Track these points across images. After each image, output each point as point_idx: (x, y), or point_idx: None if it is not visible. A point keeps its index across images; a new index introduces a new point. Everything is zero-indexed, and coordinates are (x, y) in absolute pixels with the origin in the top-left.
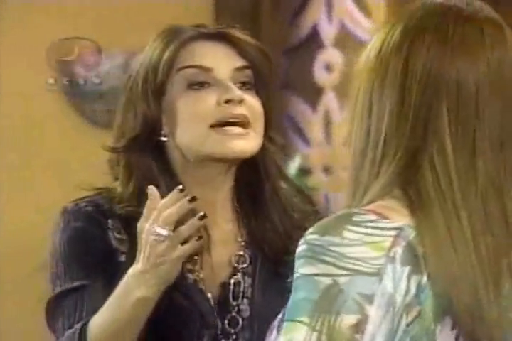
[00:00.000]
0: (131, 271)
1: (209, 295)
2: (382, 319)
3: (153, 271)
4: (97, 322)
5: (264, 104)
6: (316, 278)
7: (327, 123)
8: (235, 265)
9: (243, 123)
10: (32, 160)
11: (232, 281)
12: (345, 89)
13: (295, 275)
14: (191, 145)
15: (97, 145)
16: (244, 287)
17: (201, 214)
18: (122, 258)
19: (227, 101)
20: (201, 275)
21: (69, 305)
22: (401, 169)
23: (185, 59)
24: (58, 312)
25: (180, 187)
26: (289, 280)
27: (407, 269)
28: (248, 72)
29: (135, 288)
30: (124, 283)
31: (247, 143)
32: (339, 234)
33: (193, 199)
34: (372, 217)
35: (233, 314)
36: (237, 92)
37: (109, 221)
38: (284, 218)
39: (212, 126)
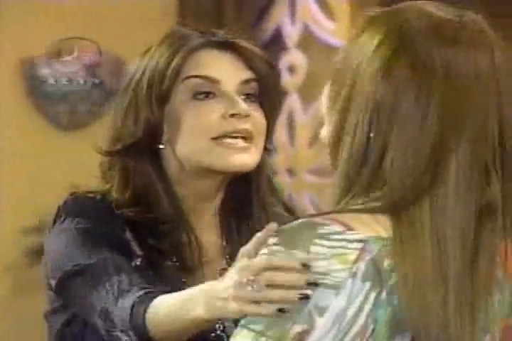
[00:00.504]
0: (207, 286)
1: None
2: (327, 332)
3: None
4: (161, 311)
5: (267, 117)
6: None
7: (290, 124)
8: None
9: (246, 137)
10: None
11: None
12: (309, 90)
13: None
14: (192, 156)
15: (60, 147)
16: None
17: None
18: (138, 262)
19: (233, 115)
20: None
21: (100, 276)
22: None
23: (192, 68)
24: (86, 284)
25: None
26: None
27: (367, 285)
28: (254, 84)
29: (199, 305)
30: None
31: (248, 157)
32: (306, 250)
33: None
34: (338, 228)
35: (218, 332)
36: (244, 106)
37: (120, 220)
38: None
39: (214, 138)
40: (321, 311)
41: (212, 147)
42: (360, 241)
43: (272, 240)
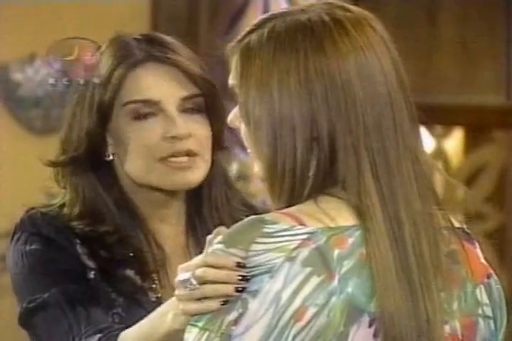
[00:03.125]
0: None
1: None
2: (262, 313)
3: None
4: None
5: (212, 126)
6: None
7: None
8: None
9: (190, 155)
10: None
11: None
12: None
13: None
14: (139, 174)
15: (33, 152)
16: None
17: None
18: (91, 275)
19: (173, 137)
20: (159, 295)
21: (56, 313)
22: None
23: (131, 90)
24: (47, 323)
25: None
26: None
27: (307, 270)
28: (196, 99)
29: (169, 317)
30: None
31: (191, 174)
32: (246, 248)
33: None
34: (284, 225)
35: None
36: (182, 128)
37: (72, 235)
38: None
39: (158, 159)
40: (254, 294)
41: (156, 167)
42: (306, 233)
43: (217, 239)
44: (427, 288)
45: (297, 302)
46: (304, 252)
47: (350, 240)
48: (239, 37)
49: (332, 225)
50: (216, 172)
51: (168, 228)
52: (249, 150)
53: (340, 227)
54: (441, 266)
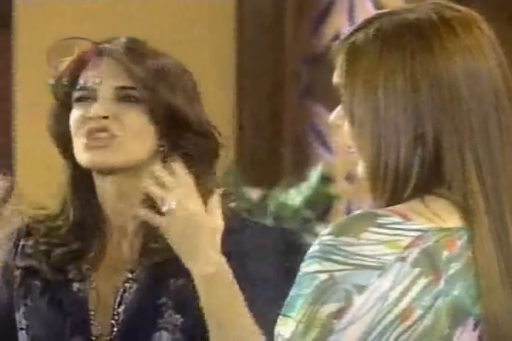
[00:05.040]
0: None
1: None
2: (366, 310)
3: None
4: None
5: (154, 119)
6: (314, 274)
7: None
8: (128, 274)
9: (104, 136)
10: None
11: (121, 289)
12: None
13: (298, 273)
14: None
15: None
16: (128, 293)
17: None
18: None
19: (91, 118)
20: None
21: None
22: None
23: (81, 78)
24: None
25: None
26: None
27: (416, 271)
28: (133, 91)
29: None
30: None
31: (107, 153)
32: (356, 236)
33: None
34: (398, 218)
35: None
36: (101, 109)
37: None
38: None
39: (82, 140)
40: (360, 290)
41: (79, 146)
42: (418, 230)
43: (325, 230)
44: None
45: (404, 303)
46: (415, 252)
47: (459, 242)
48: (345, 35)
49: (444, 226)
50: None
51: (129, 222)
52: (352, 150)
53: (451, 229)
54: None
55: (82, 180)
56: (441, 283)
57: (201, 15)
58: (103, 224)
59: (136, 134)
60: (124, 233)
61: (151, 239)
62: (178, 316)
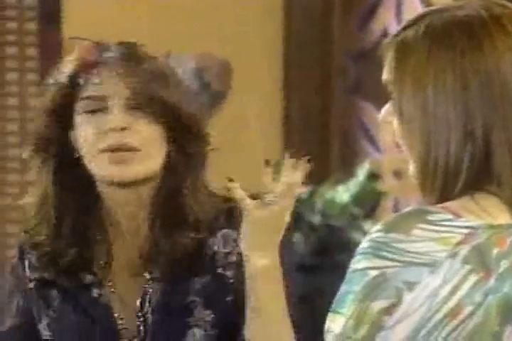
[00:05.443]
0: None
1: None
2: (416, 307)
3: None
4: None
5: (163, 127)
6: (365, 271)
7: None
8: (147, 275)
9: (126, 149)
10: None
11: (146, 290)
12: None
13: (348, 270)
14: (89, 168)
15: None
16: (152, 294)
17: None
18: (56, 303)
19: (109, 130)
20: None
21: None
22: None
23: (86, 86)
24: None
25: None
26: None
27: (466, 267)
28: (140, 99)
29: None
30: None
31: (127, 167)
32: (407, 232)
33: None
34: (448, 215)
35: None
36: (116, 121)
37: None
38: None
39: (99, 151)
40: (411, 286)
41: (97, 160)
42: (468, 227)
43: (375, 227)
44: None
45: (454, 300)
46: (465, 249)
47: (510, 240)
48: (395, 32)
49: (494, 223)
50: (172, 175)
51: (139, 225)
52: (401, 148)
53: (501, 226)
54: None
55: (81, 186)
56: (492, 281)
57: (250, 8)
58: (110, 227)
59: (153, 145)
60: (136, 234)
61: (162, 238)
62: (208, 312)
